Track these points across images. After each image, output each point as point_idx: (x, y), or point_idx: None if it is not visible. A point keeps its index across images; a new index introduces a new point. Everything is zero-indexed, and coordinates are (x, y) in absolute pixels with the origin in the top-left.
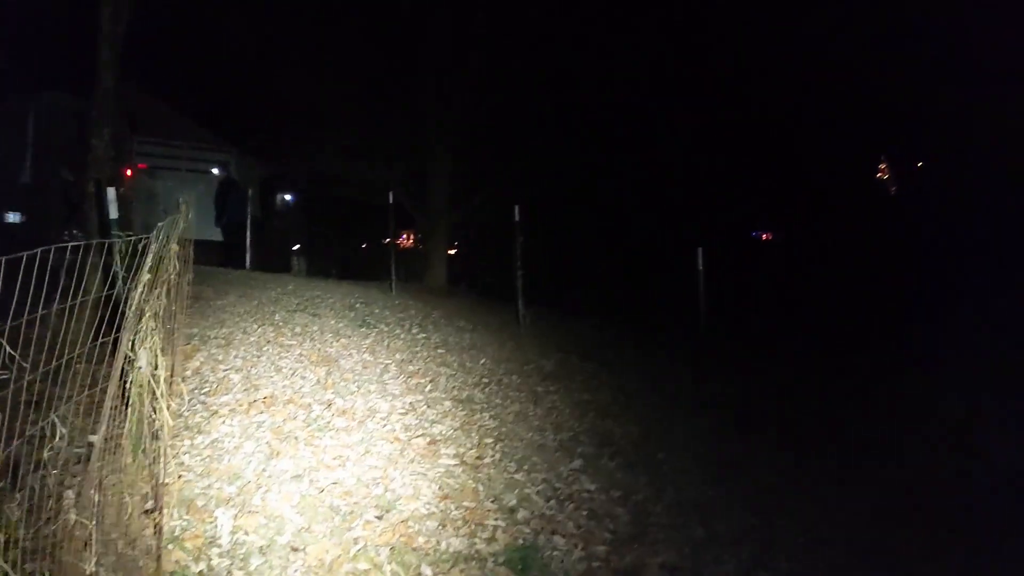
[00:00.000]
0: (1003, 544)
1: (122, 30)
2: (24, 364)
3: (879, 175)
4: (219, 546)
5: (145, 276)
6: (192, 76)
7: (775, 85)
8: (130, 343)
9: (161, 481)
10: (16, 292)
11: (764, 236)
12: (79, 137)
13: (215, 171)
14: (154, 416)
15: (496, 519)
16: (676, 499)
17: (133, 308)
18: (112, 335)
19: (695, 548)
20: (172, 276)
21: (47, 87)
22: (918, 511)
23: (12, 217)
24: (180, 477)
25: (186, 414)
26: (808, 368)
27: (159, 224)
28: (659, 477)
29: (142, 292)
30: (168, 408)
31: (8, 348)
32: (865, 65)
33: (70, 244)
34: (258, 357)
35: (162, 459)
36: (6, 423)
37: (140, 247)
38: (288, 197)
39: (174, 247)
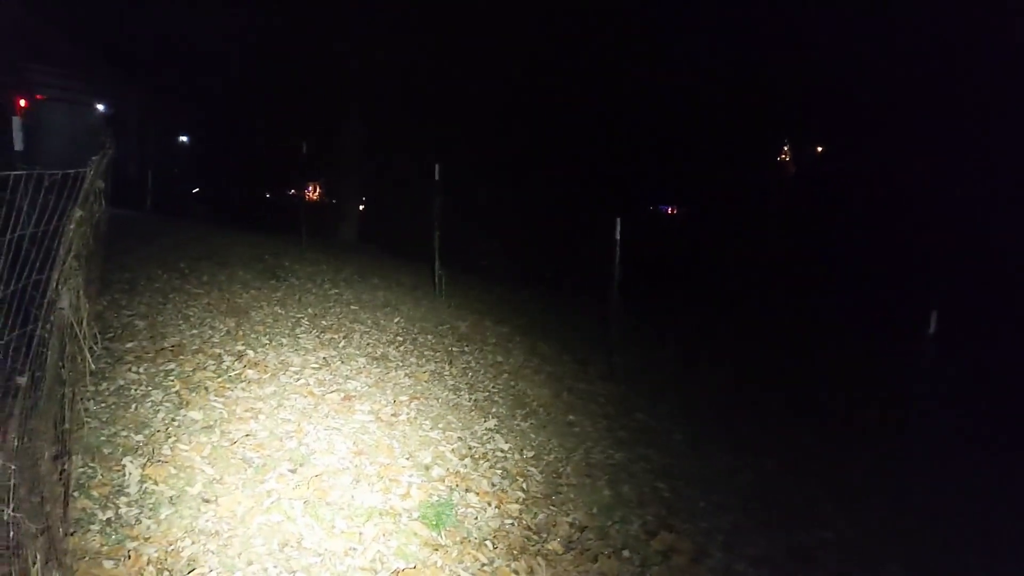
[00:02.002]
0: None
1: None
2: None
3: (782, 157)
4: (127, 495)
5: (77, 213)
6: (92, 7)
7: (690, 70)
8: (56, 283)
9: (68, 427)
10: None
11: (669, 210)
12: None
13: (100, 107)
14: (75, 359)
15: (411, 476)
16: (585, 461)
17: (64, 246)
18: (34, 275)
19: (603, 508)
20: (97, 215)
21: None
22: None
23: None
24: (85, 424)
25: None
26: (713, 338)
27: (92, 158)
28: (569, 439)
29: (75, 229)
30: (90, 351)
31: None
32: (778, 55)
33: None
34: (164, 304)
35: (71, 404)
36: None
37: (51, 183)
38: (185, 139)
39: (100, 184)
